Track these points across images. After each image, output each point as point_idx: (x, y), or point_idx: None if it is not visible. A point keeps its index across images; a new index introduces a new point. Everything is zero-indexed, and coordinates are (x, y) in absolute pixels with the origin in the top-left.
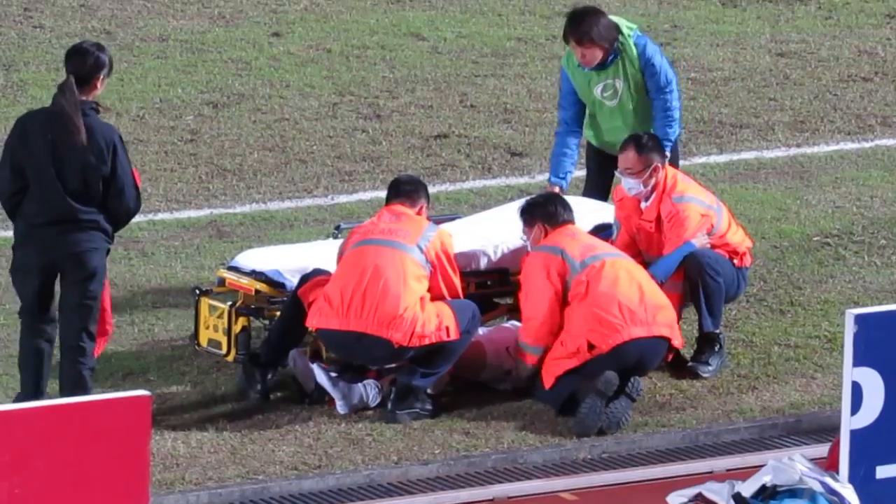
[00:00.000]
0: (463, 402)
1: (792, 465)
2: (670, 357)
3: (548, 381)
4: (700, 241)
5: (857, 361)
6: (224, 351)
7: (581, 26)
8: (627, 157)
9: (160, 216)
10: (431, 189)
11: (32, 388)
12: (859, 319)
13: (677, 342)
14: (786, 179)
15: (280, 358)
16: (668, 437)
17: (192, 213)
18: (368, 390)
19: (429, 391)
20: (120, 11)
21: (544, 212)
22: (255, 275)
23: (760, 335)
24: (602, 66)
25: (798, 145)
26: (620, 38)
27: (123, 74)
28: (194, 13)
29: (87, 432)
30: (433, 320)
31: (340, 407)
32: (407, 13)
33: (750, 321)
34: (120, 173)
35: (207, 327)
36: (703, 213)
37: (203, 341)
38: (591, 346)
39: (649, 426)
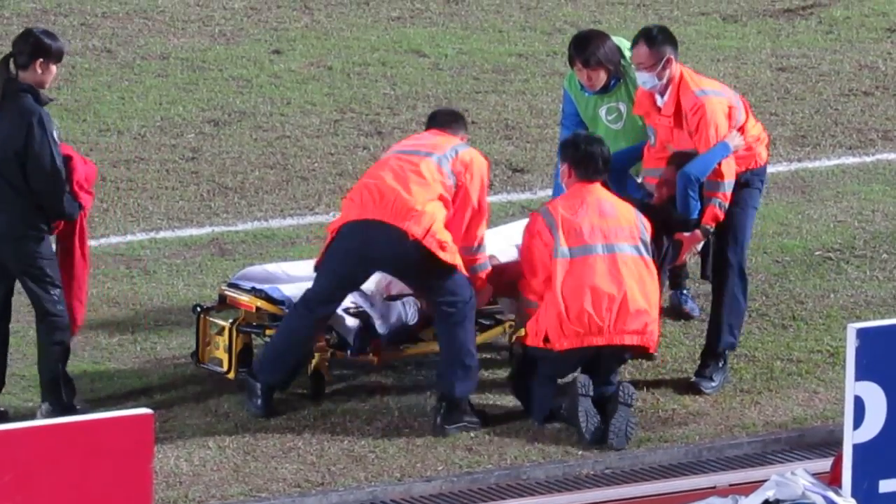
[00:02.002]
0: None
1: (795, 479)
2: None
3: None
4: (734, 142)
5: (860, 375)
6: (225, 368)
7: (587, 49)
8: (640, 52)
9: (162, 234)
10: None
11: None
12: (861, 333)
13: (650, 345)
14: (787, 194)
15: (279, 371)
16: (670, 452)
17: (194, 231)
18: (407, 308)
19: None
20: (120, 30)
21: (574, 157)
22: (256, 292)
23: (763, 350)
24: (605, 91)
25: (799, 160)
26: (622, 61)
27: (124, 93)
28: (195, 31)
29: (89, 451)
30: (449, 237)
31: (379, 326)
32: (408, 30)
33: (752, 336)
34: (36, 152)
35: (209, 345)
36: (728, 106)
37: (205, 359)
38: (546, 339)
39: (652, 441)
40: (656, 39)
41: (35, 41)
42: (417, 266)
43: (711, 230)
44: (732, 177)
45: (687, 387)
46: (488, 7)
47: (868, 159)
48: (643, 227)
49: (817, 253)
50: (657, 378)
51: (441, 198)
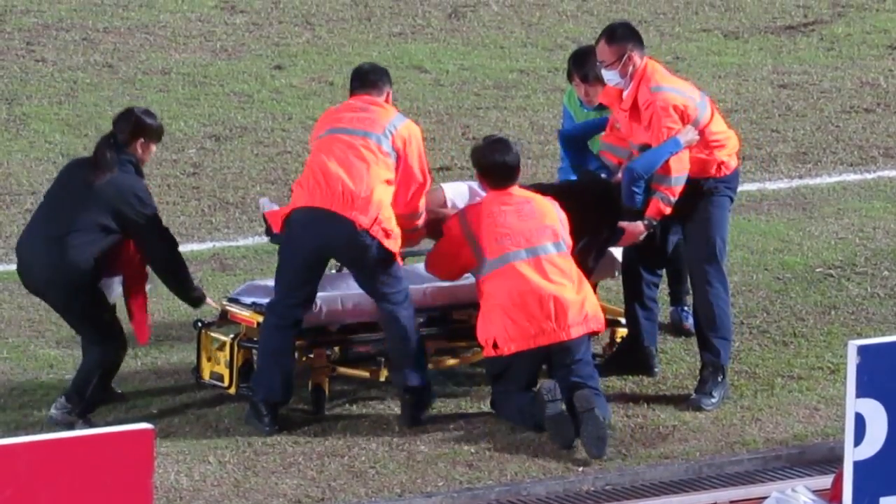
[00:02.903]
0: (466, 433)
1: (795, 496)
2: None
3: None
4: (686, 137)
5: (860, 392)
6: (226, 383)
7: (586, 64)
8: (601, 49)
9: None
10: None
11: None
12: (862, 350)
13: (598, 329)
14: (788, 211)
15: (275, 386)
16: (671, 468)
17: (195, 247)
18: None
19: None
20: (122, 45)
21: (481, 165)
22: (256, 307)
23: (763, 366)
24: (604, 106)
25: (800, 177)
26: None
27: (126, 108)
28: (196, 46)
29: (89, 466)
30: (393, 222)
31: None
32: (409, 46)
33: (753, 352)
34: (144, 225)
35: (210, 360)
36: (682, 103)
37: (206, 374)
38: (495, 345)
39: (652, 458)
40: (615, 35)
41: (136, 121)
42: (366, 255)
43: (654, 223)
44: (682, 172)
45: (687, 403)
46: (490, 23)
47: (869, 176)
48: (561, 224)
49: (818, 270)
50: (657, 394)
51: (385, 180)
